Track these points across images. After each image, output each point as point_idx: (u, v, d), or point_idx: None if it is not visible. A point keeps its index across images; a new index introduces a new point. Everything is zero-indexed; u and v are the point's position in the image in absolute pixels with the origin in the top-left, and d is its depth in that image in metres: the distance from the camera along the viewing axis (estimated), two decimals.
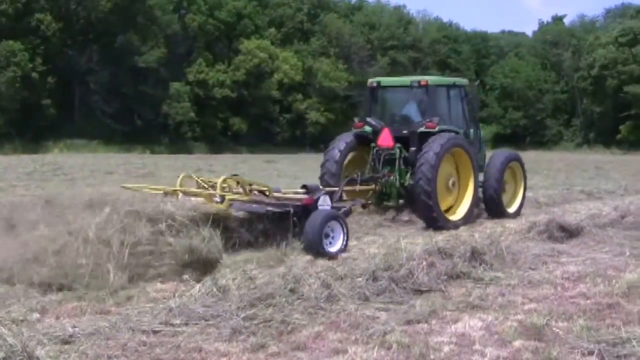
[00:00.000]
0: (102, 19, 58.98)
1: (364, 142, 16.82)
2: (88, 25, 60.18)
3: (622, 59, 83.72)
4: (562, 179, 31.14)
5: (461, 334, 7.40)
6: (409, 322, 7.76)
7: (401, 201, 16.46)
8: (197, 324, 7.52)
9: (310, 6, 78.87)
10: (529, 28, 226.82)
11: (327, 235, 11.98)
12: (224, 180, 12.46)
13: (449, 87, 17.41)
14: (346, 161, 16.61)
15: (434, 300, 8.65)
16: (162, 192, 11.91)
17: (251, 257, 11.17)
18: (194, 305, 7.94)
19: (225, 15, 69.55)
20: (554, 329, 7.50)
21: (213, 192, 12.10)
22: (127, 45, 60.10)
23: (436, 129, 15.78)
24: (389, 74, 79.09)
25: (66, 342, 6.97)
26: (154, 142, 60.01)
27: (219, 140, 66.60)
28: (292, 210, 12.33)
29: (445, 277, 9.61)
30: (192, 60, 67.57)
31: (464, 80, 18.88)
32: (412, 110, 17.13)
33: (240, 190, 12.74)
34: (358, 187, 15.73)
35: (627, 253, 12.09)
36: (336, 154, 16.43)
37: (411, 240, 11.62)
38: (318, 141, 70.78)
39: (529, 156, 64.38)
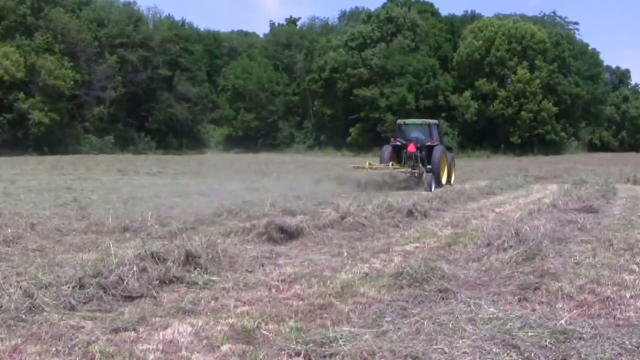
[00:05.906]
0: None
1: (397, 149, 32.24)
2: None
3: (352, 63, 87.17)
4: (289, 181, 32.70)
5: (169, 341, 7.22)
6: (115, 331, 7.46)
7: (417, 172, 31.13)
8: None
9: None
10: (261, 29, 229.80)
11: (431, 184, 29.29)
12: (392, 164, 30.70)
13: (436, 124, 34.76)
14: (390, 158, 31.88)
15: (144, 307, 8.41)
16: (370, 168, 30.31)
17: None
18: None
19: None
20: (264, 331, 7.51)
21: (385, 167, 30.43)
22: None
23: (435, 144, 32.15)
24: (118, 72, 78.12)
25: None
26: None
27: None
28: (417, 174, 29.73)
29: (158, 282, 9.35)
30: None
31: (438, 121, 37.97)
32: (421, 135, 32.93)
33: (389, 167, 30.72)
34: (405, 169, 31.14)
35: (345, 253, 12.49)
36: (387, 155, 31.85)
37: (123, 244, 11.28)
38: (42, 142, 68.40)
39: (260, 158, 65.75)
